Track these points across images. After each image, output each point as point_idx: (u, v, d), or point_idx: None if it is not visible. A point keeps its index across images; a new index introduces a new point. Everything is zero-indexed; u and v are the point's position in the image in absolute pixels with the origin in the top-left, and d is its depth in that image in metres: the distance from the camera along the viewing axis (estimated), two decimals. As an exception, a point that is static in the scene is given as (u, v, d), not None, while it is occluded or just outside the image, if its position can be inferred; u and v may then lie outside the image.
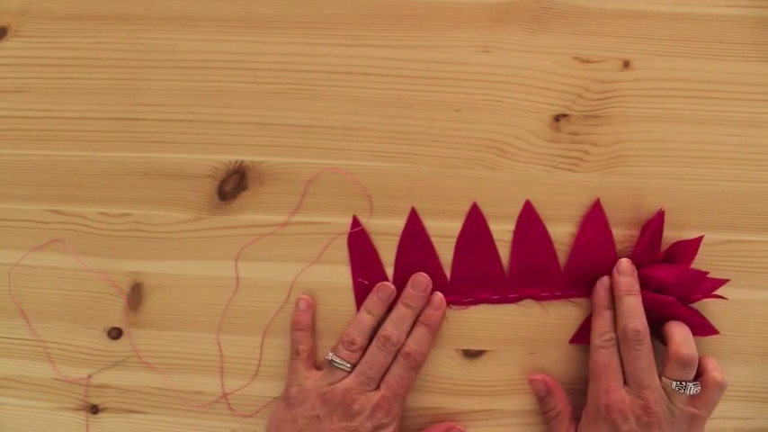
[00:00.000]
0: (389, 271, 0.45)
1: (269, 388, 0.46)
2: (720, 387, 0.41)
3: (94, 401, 0.47)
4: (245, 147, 0.45)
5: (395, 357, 0.43)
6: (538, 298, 0.44)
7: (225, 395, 0.46)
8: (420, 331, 0.43)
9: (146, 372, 0.47)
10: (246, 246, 0.45)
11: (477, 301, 0.45)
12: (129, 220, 0.46)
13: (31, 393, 0.48)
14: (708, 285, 0.43)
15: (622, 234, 0.44)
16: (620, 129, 0.44)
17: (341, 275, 0.45)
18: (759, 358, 0.45)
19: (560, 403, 0.44)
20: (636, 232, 0.44)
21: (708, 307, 0.44)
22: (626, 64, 0.44)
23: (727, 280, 0.43)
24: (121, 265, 0.46)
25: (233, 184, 0.46)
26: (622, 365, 0.41)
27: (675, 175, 0.44)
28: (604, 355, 0.42)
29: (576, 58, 0.44)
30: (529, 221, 0.44)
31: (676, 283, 0.42)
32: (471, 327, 0.45)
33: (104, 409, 0.47)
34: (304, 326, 0.45)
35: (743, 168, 0.44)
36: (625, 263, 0.43)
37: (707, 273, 0.43)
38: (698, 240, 0.43)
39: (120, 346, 0.47)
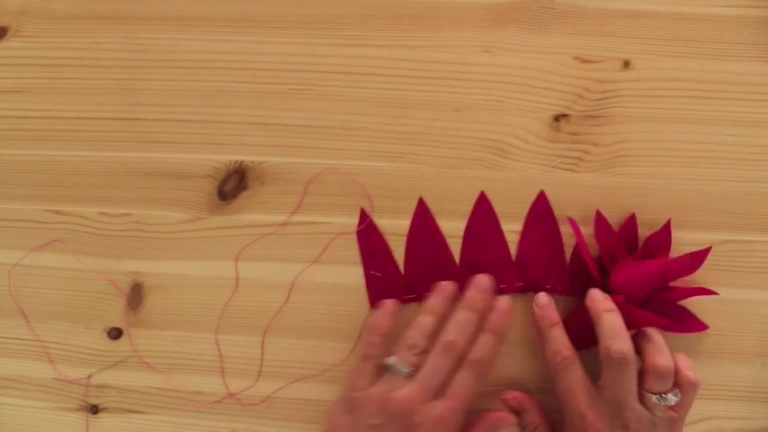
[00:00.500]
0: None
1: (271, 388, 0.46)
2: (695, 387, 0.40)
3: (94, 401, 0.47)
4: (245, 147, 0.45)
5: (458, 366, 0.41)
6: (542, 290, 0.44)
7: (231, 395, 0.46)
8: (487, 338, 0.41)
9: (146, 372, 0.47)
10: (246, 246, 0.45)
11: None
12: (129, 220, 0.46)
13: (31, 393, 0.48)
14: (687, 265, 0.42)
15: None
16: (620, 129, 0.44)
17: (341, 275, 0.45)
18: (759, 358, 0.45)
19: (536, 418, 0.43)
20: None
21: (708, 306, 0.44)
22: (626, 64, 0.44)
23: (710, 247, 0.42)
24: (121, 265, 0.46)
25: (233, 184, 0.46)
26: (602, 384, 0.40)
27: (676, 175, 0.44)
28: (563, 378, 0.40)
29: (576, 58, 0.44)
30: (541, 212, 0.44)
31: (639, 281, 0.41)
32: (471, 327, 0.45)
33: (104, 409, 0.47)
34: (384, 330, 0.42)
35: (743, 168, 0.44)
36: (595, 292, 0.41)
37: (675, 259, 0.42)
38: (666, 227, 0.43)
39: (120, 346, 0.47)
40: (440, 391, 0.40)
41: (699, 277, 0.43)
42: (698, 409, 0.44)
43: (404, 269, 0.45)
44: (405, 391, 0.40)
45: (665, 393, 0.39)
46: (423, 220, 0.45)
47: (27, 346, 0.47)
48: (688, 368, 0.40)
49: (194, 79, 0.45)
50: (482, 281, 0.42)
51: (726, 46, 0.43)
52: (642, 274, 0.42)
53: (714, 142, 0.44)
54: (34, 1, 0.45)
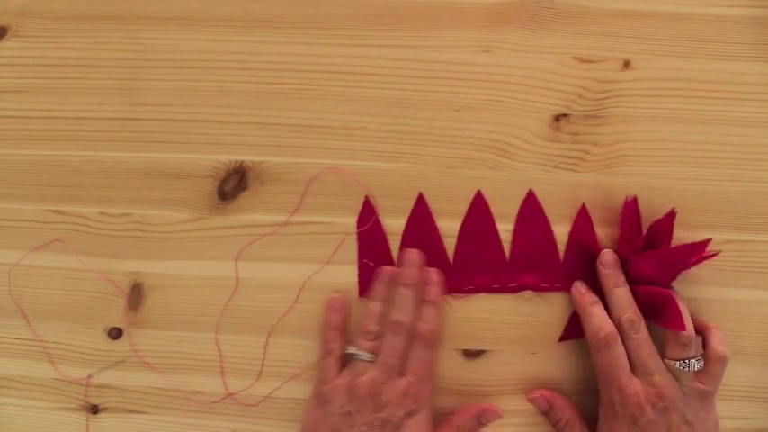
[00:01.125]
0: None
1: (271, 387, 0.46)
2: (722, 360, 0.41)
3: (94, 401, 0.47)
4: (245, 147, 0.45)
5: (412, 342, 0.43)
6: (538, 289, 0.44)
7: (230, 395, 0.46)
8: (427, 310, 0.43)
9: (146, 372, 0.47)
10: (247, 246, 0.45)
11: (477, 290, 0.45)
12: (129, 220, 0.46)
13: (31, 393, 0.48)
14: (698, 252, 0.42)
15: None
16: (620, 129, 0.44)
17: (342, 275, 0.45)
18: (759, 358, 0.45)
19: (566, 411, 0.44)
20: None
21: (708, 306, 0.44)
22: (626, 64, 0.44)
23: (710, 239, 0.42)
24: (121, 265, 0.46)
25: (233, 184, 0.46)
26: (629, 354, 0.41)
27: (676, 175, 0.44)
28: (606, 354, 0.41)
29: (576, 58, 0.44)
30: (531, 211, 0.44)
31: (663, 268, 0.42)
32: (471, 326, 0.45)
33: (104, 409, 0.47)
34: (337, 325, 0.44)
35: (744, 168, 0.44)
36: (608, 254, 0.43)
37: (689, 246, 0.42)
38: (670, 216, 0.42)
39: (120, 346, 0.47)
40: (403, 368, 0.43)
41: (700, 277, 0.43)
42: (698, 409, 0.45)
43: (397, 263, 0.45)
44: (368, 375, 0.42)
45: (687, 359, 0.40)
46: (420, 215, 0.45)
47: (27, 346, 0.47)
48: (718, 342, 0.41)
49: (194, 79, 0.45)
50: (411, 255, 0.44)
51: (726, 46, 0.43)
52: (666, 262, 0.42)
53: (715, 142, 0.44)
54: (34, 1, 0.45)
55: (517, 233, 0.44)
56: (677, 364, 0.40)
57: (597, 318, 0.42)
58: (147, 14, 0.45)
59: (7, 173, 0.47)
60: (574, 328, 0.44)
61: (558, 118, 0.44)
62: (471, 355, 0.45)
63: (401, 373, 0.42)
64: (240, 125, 0.45)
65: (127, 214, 0.46)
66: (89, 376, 0.47)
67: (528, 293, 0.45)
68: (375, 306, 0.44)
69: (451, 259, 0.45)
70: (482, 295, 0.45)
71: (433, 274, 0.44)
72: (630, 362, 0.41)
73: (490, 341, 0.45)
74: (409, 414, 0.42)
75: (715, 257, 0.42)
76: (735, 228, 0.44)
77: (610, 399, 0.41)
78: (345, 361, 0.44)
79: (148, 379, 0.47)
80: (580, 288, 0.43)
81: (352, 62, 0.44)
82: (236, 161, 0.45)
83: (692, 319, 0.41)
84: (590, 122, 0.44)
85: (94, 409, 0.47)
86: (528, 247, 0.44)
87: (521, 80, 0.44)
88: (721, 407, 0.44)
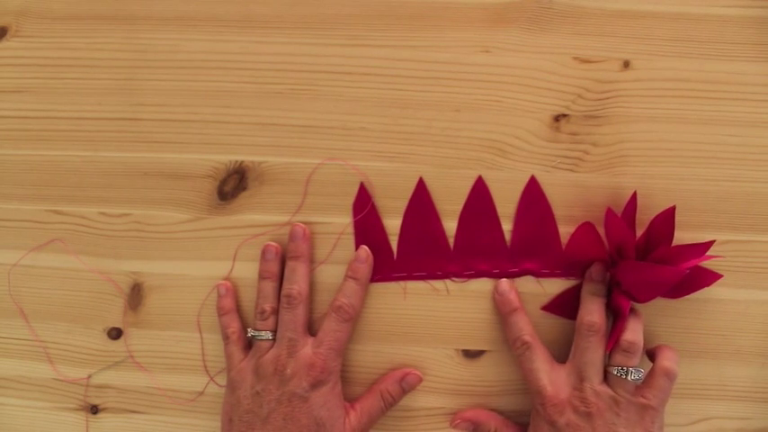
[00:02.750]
0: (393, 240, 0.45)
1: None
2: (668, 374, 0.40)
3: (94, 401, 0.47)
4: (245, 147, 0.45)
5: (327, 313, 0.44)
6: (538, 274, 0.44)
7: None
8: (349, 285, 0.44)
9: (146, 371, 0.47)
10: (245, 242, 0.45)
11: (478, 274, 0.45)
12: (129, 220, 0.46)
13: (31, 393, 0.48)
14: (676, 278, 0.41)
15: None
16: (620, 129, 0.44)
17: (341, 274, 0.45)
18: (759, 358, 0.45)
19: (492, 422, 0.44)
20: (639, 231, 0.44)
21: (708, 306, 0.44)
22: (626, 64, 0.44)
23: (713, 241, 0.42)
24: (121, 265, 0.46)
25: (233, 184, 0.46)
26: (571, 353, 0.42)
27: (675, 175, 0.44)
28: (524, 362, 0.43)
29: (575, 58, 0.44)
30: (533, 197, 0.44)
31: (639, 286, 0.41)
32: (471, 326, 0.45)
33: (104, 409, 0.47)
34: (228, 309, 0.45)
35: (743, 168, 0.44)
36: (595, 269, 0.43)
37: (670, 270, 0.41)
38: (670, 213, 0.42)
39: (120, 346, 0.47)
40: (316, 339, 0.43)
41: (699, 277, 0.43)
42: (698, 409, 0.45)
43: (397, 246, 0.45)
44: (270, 352, 0.43)
45: (626, 367, 0.40)
46: (421, 199, 0.45)
47: (27, 346, 0.47)
48: (667, 358, 0.41)
49: (194, 79, 0.45)
50: (297, 229, 0.44)
51: (726, 46, 0.43)
52: (650, 280, 0.41)
53: (714, 142, 0.44)
54: (34, 1, 0.45)
55: (519, 219, 0.44)
56: (615, 369, 0.40)
57: (516, 326, 0.43)
58: (147, 14, 0.45)
59: (7, 173, 0.47)
60: (559, 306, 0.44)
61: (557, 118, 0.44)
62: (471, 355, 0.45)
63: (304, 346, 0.42)
64: (240, 125, 0.45)
65: (126, 214, 0.46)
66: (89, 376, 0.47)
67: (528, 280, 0.45)
68: (264, 284, 0.44)
69: (452, 244, 0.45)
70: (483, 279, 0.45)
71: (362, 252, 0.44)
72: (573, 362, 0.42)
73: (490, 341, 0.45)
74: (315, 385, 0.42)
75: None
76: (733, 228, 0.44)
77: (534, 401, 0.42)
78: (248, 344, 0.45)
79: (148, 379, 0.47)
80: (502, 290, 0.44)
81: (352, 62, 0.44)
82: (236, 161, 0.45)
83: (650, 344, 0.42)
84: (589, 122, 0.44)
85: (94, 410, 0.47)
86: (529, 233, 0.44)
87: (520, 80, 0.44)
88: (721, 407, 0.45)
